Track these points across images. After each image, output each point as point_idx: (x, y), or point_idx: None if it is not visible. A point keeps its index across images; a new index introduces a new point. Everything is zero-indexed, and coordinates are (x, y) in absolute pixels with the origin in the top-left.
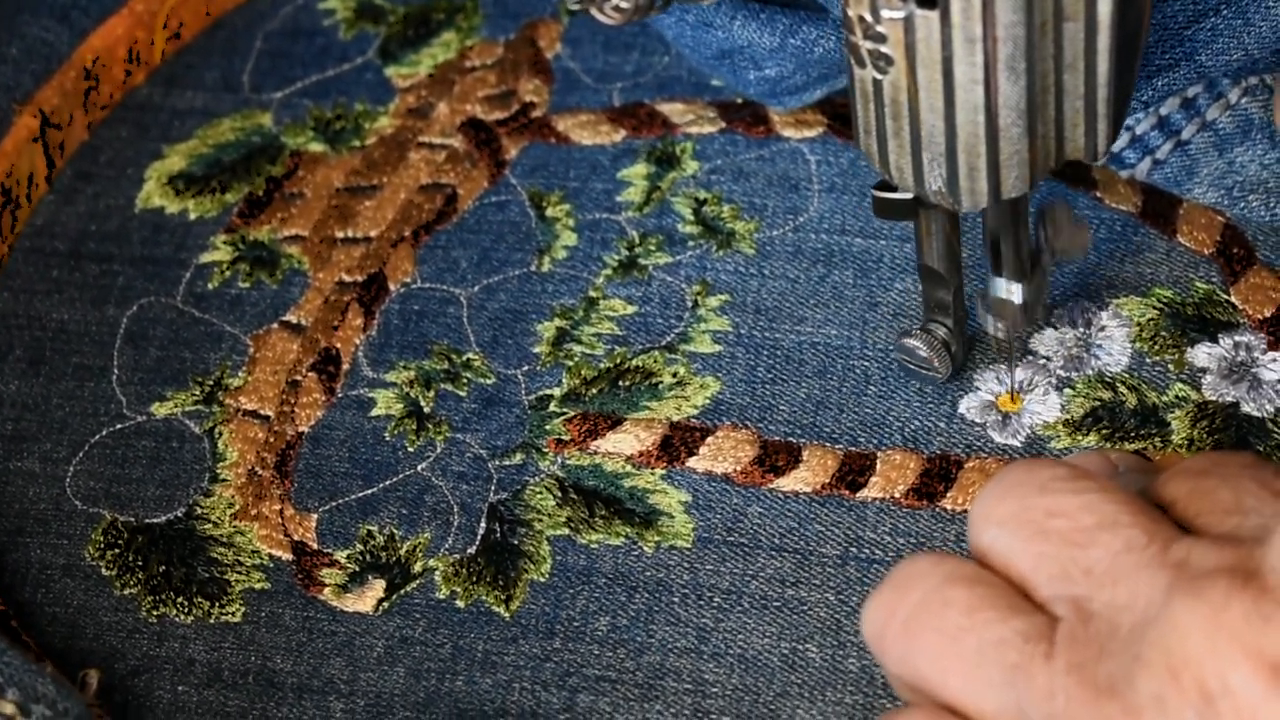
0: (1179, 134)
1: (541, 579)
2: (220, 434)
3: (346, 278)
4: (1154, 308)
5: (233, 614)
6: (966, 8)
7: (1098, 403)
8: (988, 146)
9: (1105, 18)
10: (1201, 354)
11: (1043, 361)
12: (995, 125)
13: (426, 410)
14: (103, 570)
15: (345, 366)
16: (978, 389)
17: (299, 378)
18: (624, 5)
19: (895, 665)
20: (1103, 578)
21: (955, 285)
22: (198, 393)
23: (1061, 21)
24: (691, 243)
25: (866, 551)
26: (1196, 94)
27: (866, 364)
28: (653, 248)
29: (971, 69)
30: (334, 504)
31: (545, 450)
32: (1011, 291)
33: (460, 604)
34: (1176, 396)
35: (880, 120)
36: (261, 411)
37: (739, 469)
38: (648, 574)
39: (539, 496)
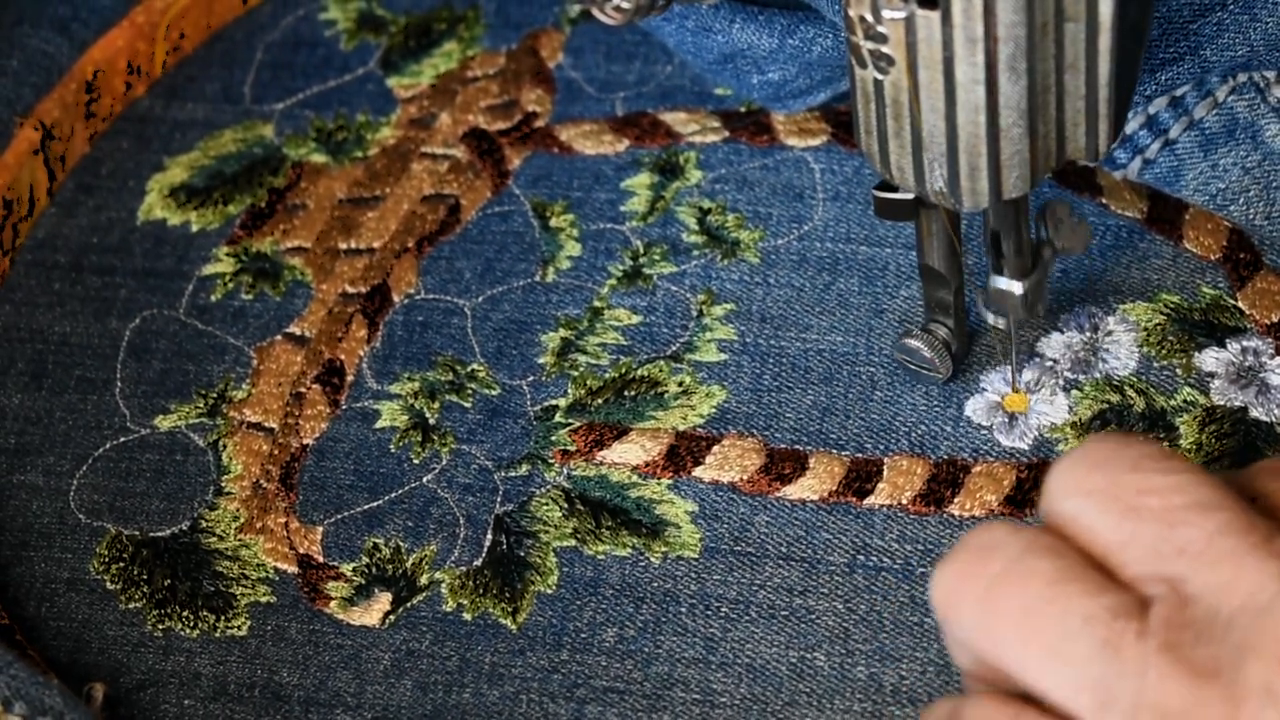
0: (1167, 132)
1: (548, 590)
2: (224, 446)
3: (350, 289)
4: (1161, 313)
5: (238, 627)
6: (967, 8)
7: (1105, 405)
8: (989, 147)
9: (1106, 18)
10: (1209, 359)
11: (1050, 364)
12: (996, 125)
13: (431, 422)
14: (107, 584)
15: (349, 378)
16: (984, 390)
17: (303, 390)
18: (625, 5)
19: (968, 633)
20: (1199, 558)
21: (956, 285)
22: (201, 405)
23: (1063, 22)
24: (696, 252)
25: (874, 559)
26: (1185, 92)
27: (872, 370)
28: (657, 257)
29: (972, 69)
30: (339, 516)
31: (551, 461)
32: (1012, 284)
33: (467, 616)
34: (1185, 400)
35: (881, 120)
36: (266, 424)
37: (745, 478)
38: (655, 584)
39: (545, 508)
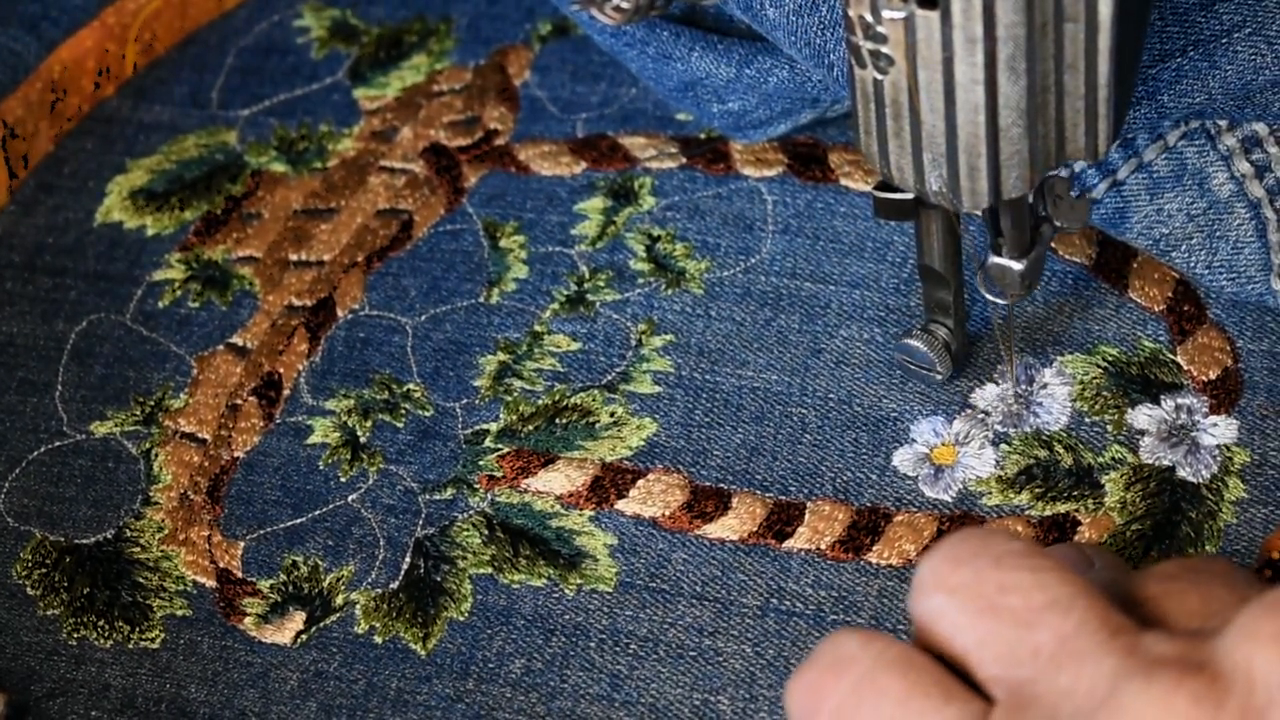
0: (1115, 173)
1: (460, 618)
2: (156, 455)
3: (296, 301)
4: (1098, 366)
5: (152, 640)
6: (967, 8)
7: (1033, 460)
8: (988, 147)
9: (1106, 18)
10: (1142, 415)
11: (981, 416)
12: (996, 125)
13: (362, 440)
14: (28, 590)
15: (286, 392)
16: (913, 440)
17: (239, 401)
18: (624, 5)
19: None
20: (1049, 662)
21: (955, 285)
22: (138, 413)
23: (1062, 22)
24: (641, 280)
25: (787, 604)
26: (1136, 134)
27: (804, 411)
28: (601, 284)
29: (972, 69)
30: (262, 532)
31: (477, 486)
32: (1011, 261)
33: (378, 639)
34: (1113, 458)
35: (880, 120)
36: (199, 434)
37: (667, 513)
38: (566, 617)
39: (466, 533)
